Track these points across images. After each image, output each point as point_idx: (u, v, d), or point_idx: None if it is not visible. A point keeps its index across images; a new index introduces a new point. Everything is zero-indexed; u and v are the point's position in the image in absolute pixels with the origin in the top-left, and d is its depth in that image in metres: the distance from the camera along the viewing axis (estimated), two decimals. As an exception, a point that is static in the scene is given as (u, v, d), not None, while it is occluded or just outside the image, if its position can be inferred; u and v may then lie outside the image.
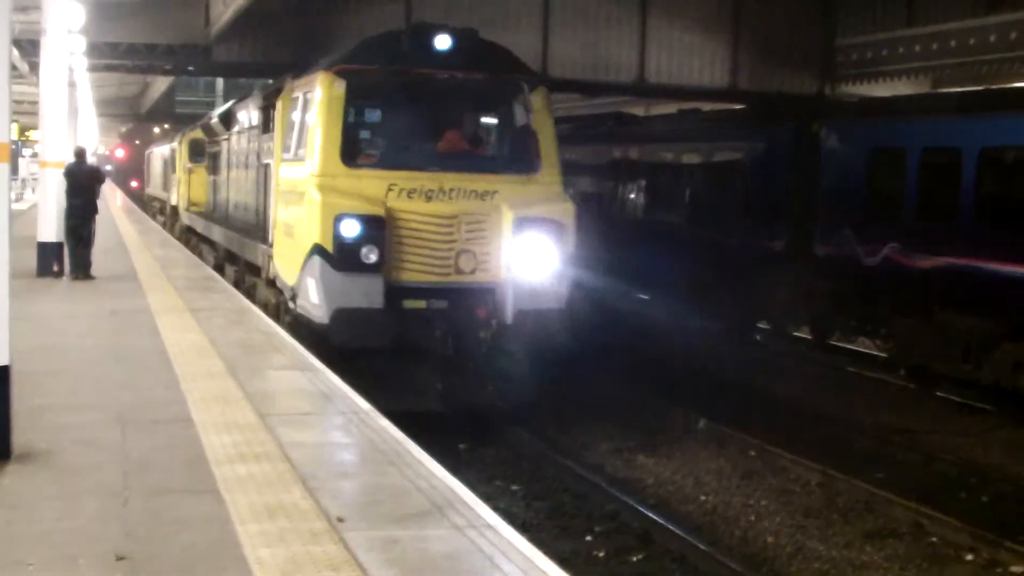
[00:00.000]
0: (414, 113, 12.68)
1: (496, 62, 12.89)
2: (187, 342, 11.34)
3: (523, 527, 9.07)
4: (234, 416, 8.16)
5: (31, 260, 17.58)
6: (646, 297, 22.76)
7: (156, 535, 5.61)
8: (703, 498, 11.01)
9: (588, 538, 9.70)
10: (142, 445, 7.33)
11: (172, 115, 69.31)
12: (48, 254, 17.76)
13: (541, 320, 11.86)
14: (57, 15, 18.49)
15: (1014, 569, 9.19)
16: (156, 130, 74.58)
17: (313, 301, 11.77)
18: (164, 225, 35.16)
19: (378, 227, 11.56)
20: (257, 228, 15.78)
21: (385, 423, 8.18)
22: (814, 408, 14.94)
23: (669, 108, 30.28)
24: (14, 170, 43.82)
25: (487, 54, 12.87)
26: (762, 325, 20.67)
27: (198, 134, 28.50)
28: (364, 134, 12.90)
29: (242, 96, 20.48)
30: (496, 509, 6.45)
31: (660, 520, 10.01)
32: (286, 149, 13.49)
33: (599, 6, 29.25)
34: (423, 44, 12.34)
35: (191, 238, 26.77)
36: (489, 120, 12.96)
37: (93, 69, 33.81)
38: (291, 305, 12.79)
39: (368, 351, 11.62)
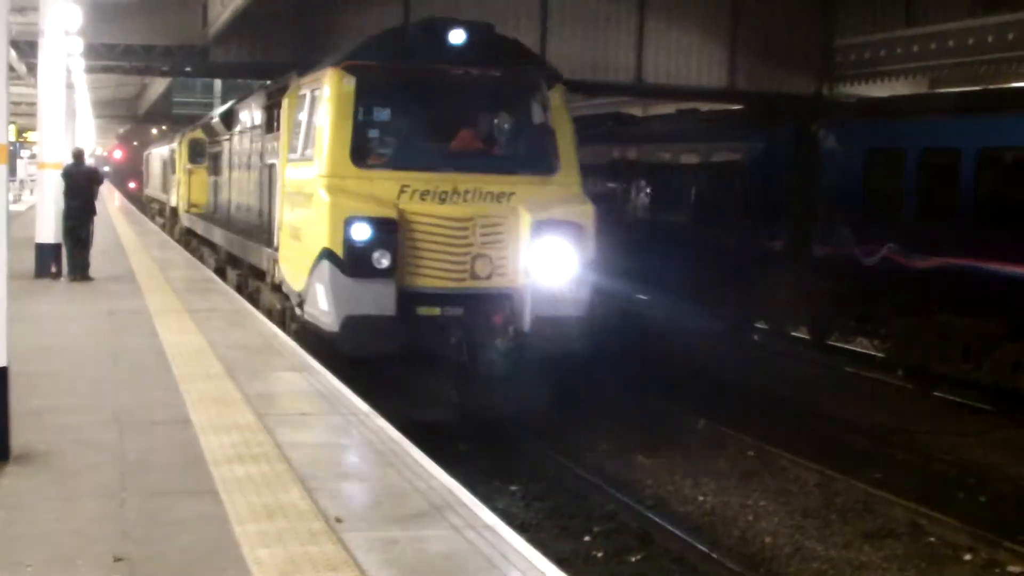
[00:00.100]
0: (427, 111, 12.19)
1: (512, 57, 12.42)
2: (185, 343, 11.33)
3: (522, 527, 9.08)
4: (232, 417, 8.16)
5: (29, 261, 17.57)
6: (644, 297, 22.76)
7: (154, 536, 5.60)
8: (701, 498, 11.01)
9: (587, 538, 9.71)
10: (140, 446, 7.32)
11: (170, 116, 69.36)
12: (46, 255, 17.74)
13: (560, 328, 11.37)
14: (55, 16, 18.48)
15: (1012, 569, 9.19)
16: (154, 131, 74.60)
17: (322, 308, 11.31)
18: (163, 227, 35.03)
19: (390, 230, 11.08)
20: (261, 231, 15.37)
21: (383, 424, 8.18)
22: (813, 408, 14.94)
23: (667, 108, 30.32)
24: (12, 171, 43.82)
25: (502, 49, 12.41)
26: (760, 325, 20.68)
27: (198, 134, 28.21)
28: (375, 133, 12.31)
29: (244, 95, 20.28)
30: (494, 509, 6.44)
31: (659, 520, 10.01)
32: (292, 149, 13.06)
33: (597, 6, 29.26)
34: (436, 39, 11.89)
35: (191, 240, 26.52)
36: (505, 118, 12.38)
37: (91, 70, 33.83)
38: (298, 312, 12.33)
39: (380, 360, 11.15)
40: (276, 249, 13.57)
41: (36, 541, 5.50)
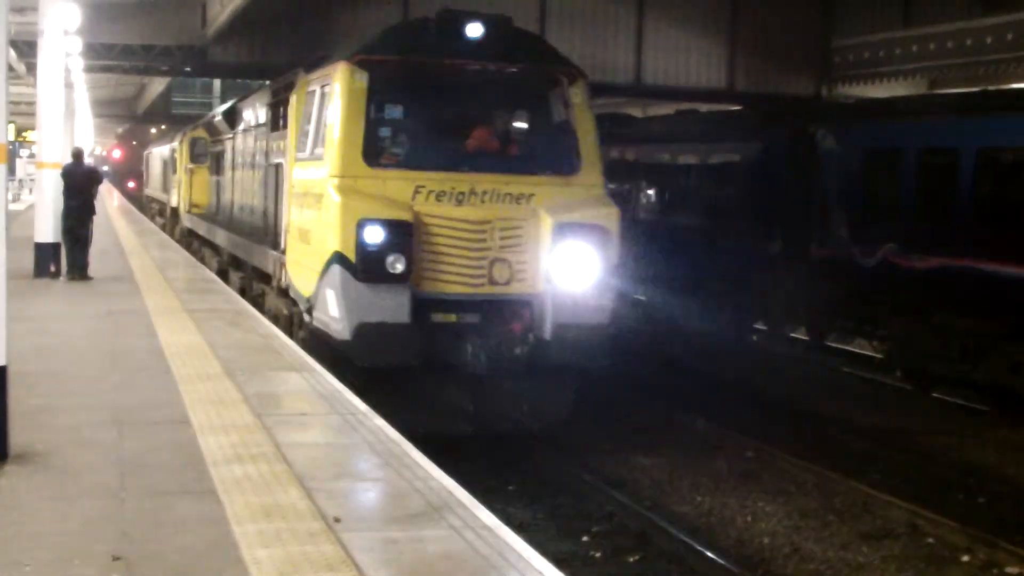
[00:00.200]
0: (443, 108, 11.66)
1: (532, 53, 11.92)
2: (184, 343, 11.33)
3: (520, 528, 9.08)
4: (231, 417, 8.16)
5: (28, 261, 17.57)
6: (641, 298, 22.76)
7: (153, 536, 5.61)
8: (700, 499, 11.01)
9: (585, 539, 9.71)
10: (139, 446, 7.33)
11: (168, 116, 69.47)
12: (45, 255, 17.75)
13: (583, 336, 10.90)
14: (54, 16, 18.50)
15: (1010, 570, 9.19)
16: (153, 131, 74.60)
17: (333, 315, 10.84)
18: (163, 227, 34.90)
19: (405, 233, 10.55)
20: (266, 232, 14.93)
21: (382, 424, 8.18)
22: (811, 409, 14.95)
23: (666, 109, 30.32)
24: (11, 171, 43.78)
25: (522, 44, 11.92)
26: (759, 326, 20.68)
27: (200, 133, 27.81)
28: (388, 131, 11.61)
29: (248, 92, 19.99)
30: (493, 510, 6.45)
31: (657, 521, 10.01)
32: (301, 148, 12.56)
33: (596, 6, 29.29)
34: (453, 32, 11.32)
35: (192, 241, 26.29)
36: (524, 115, 11.86)
37: (90, 70, 33.88)
38: (306, 318, 11.82)
39: (393, 369, 10.70)
40: (283, 252, 13.17)
41: (34, 541, 5.50)
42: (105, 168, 70.77)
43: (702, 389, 15.69)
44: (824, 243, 17.51)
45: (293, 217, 12.60)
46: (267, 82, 18.18)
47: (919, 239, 15.47)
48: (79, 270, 17.31)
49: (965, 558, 9.50)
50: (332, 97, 11.41)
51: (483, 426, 11.07)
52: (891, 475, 11.86)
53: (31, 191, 43.08)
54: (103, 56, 29.66)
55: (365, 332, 10.50)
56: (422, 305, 10.76)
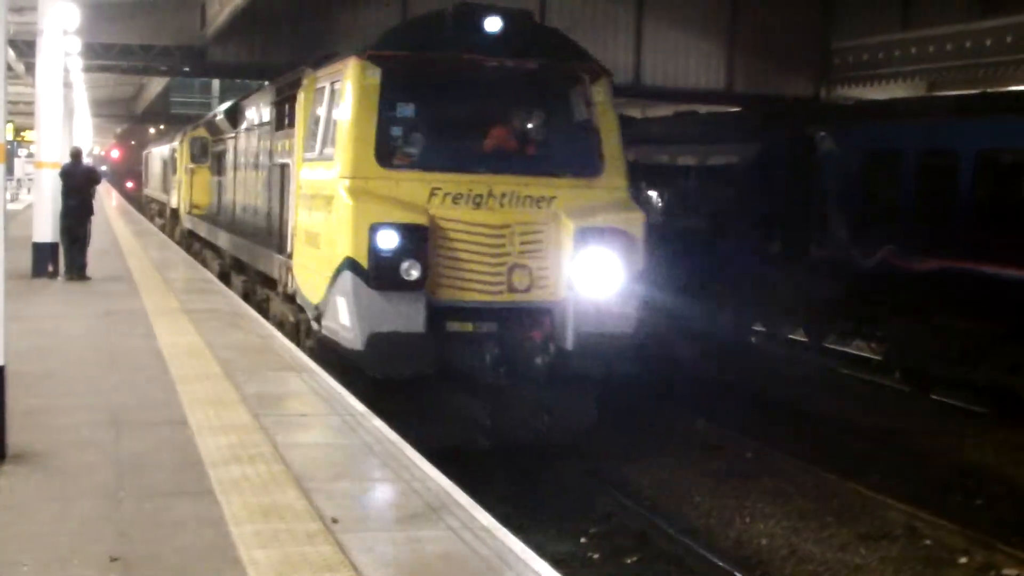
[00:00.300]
0: (459, 106, 11.16)
1: (553, 48, 11.30)
2: (183, 344, 11.32)
3: (518, 529, 9.07)
4: (229, 418, 8.16)
5: (26, 261, 17.57)
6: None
7: (150, 536, 5.60)
8: (698, 499, 11.01)
9: (583, 540, 9.71)
10: (137, 447, 7.32)
11: (167, 116, 69.46)
12: (43, 255, 17.74)
13: (606, 346, 10.47)
14: (53, 16, 18.49)
15: (1008, 572, 9.19)
16: (151, 131, 74.61)
17: (344, 323, 10.37)
18: (163, 228, 34.79)
19: (420, 238, 10.05)
20: (271, 235, 14.40)
21: (381, 424, 8.17)
22: (809, 410, 14.94)
23: (666, 110, 30.34)
24: (10, 170, 43.80)
25: (542, 39, 11.38)
26: (757, 327, 20.68)
27: (201, 132, 27.47)
28: (402, 130, 11.02)
29: (251, 90, 19.73)
30: (491, 511, 6.44)
31: (656, 521, 10.01)
32: (309, 148, 12.03)
33: (595, 7, 29.32)
34: (469, 27, 10.79)
35: (193, 242, 26.01)
36: (545, 114, 11.35)
37: (89, 70, 33.89)
38: (315, 326, 11.31)
39: (407, 380, 10.24)
40: (289, 256, 12.66)
41: (32, 541, 5.50)
42: (103, 168, 70.74)
43: (701, 390, 15.68)
44: (823, 244, 17.51)
45: (301, 220, 12.13)
46: (267, 82, 18.04)
47: (918, 241, 15.47)
48: (77, 270, 17.30)
49: (963, 560, 9.49)
50: (343, 94, 10.91)
51: (500, 439, 10.64)
52: (890, 476, 11.85)
53: (29, 191, 43.07)
54: (102, 56, 29.68)
55: (378, 342, 10.05)
56: (438, 313, 10.31)
